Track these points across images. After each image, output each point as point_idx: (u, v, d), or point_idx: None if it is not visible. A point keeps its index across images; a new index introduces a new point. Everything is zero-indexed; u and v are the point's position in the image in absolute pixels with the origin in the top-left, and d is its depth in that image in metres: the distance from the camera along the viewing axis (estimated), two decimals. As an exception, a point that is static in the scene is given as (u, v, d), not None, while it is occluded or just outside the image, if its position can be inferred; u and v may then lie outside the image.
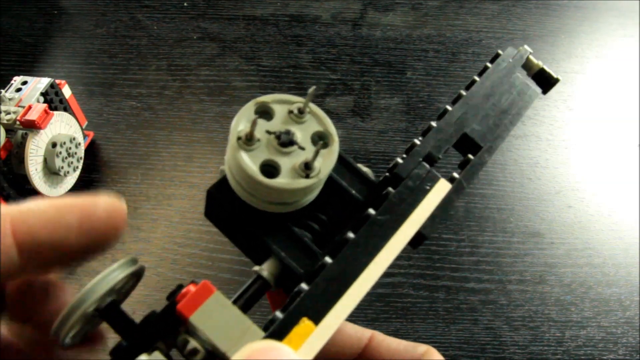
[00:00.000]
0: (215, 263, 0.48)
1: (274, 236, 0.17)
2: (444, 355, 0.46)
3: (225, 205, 0.17)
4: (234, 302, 0.16)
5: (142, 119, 0.60)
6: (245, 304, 0.17)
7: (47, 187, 0.49)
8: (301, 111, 0.17)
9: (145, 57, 0.66)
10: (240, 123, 0.16)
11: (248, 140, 0.16)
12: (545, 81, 0.22)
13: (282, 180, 0.16)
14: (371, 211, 0.17)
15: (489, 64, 0.21)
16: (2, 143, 0.46)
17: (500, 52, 0.22)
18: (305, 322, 0.15)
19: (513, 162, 0.56)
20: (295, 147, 0.16)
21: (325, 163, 0.17)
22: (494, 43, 0.68)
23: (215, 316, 0.15)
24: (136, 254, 0.50)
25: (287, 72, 0.64)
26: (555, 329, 0.45)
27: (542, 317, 0.45)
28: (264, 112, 0.17)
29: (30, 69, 0.65)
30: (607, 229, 0.51)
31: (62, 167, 0.49)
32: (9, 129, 0.47)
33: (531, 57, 0.22)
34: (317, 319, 0.15)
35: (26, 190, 0.48)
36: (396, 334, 0.44)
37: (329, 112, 0.60)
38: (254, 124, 0.16)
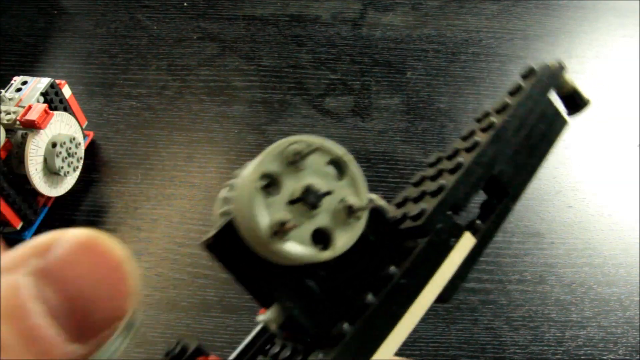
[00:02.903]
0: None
1: (284, 288, 0.15)
2: (443, 355, 0.46)
3: (232, 254, 0.15)
4: (241, 355, 0.15)
5: (142, 119, 0.60)
6: (252, 357, 0.16)
7: (47, 187, 0.49)
8: (301, 154, 0.14)
9: (145, 57, 0.66)
10: (261, 217, 0.14)
11: (283, 229, 0.14)
12: (574, 103, 0.19)
13: (344, 239, 0.14)
14: (393, 270, 0.15)
15: (522, 84, 0.19)
16: (2, 143, 0.46)
17: (534, 67, 0.19)
18: None
19: (513, 162, 0.56)
20: (325, 198, 0.14)
21: (359, 190, 0.15)
22: (494, 43, 0.68)
23: None
24: (136, 254, 0.50)
25: (287, 72, 0.64)
26: (555, 329, 0.45)
27: (542, 317, 0.45)
28: (265, 179, 0.14)
29: (30, 69, 0.65)
30: (607, 229, 0.51)
31: (62, 167, 0.49)
32: (9, 129, 0.47)
33: (565, 75, 0.19)
34: None
35: (26, 190, 0.48)
36: (396, 334, 0.44)
37: (329, 112, 0.60)
38: (294, 220, 0.14)
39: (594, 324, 0.45)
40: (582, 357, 0.43)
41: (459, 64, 0.65)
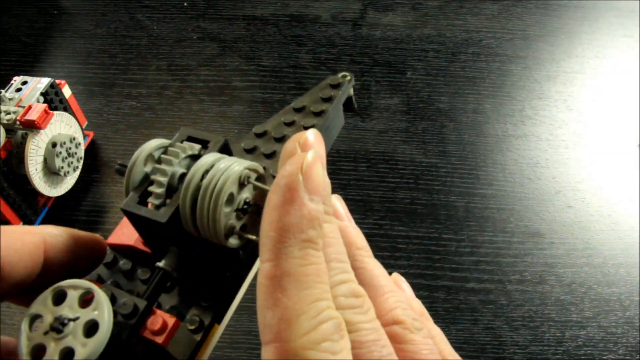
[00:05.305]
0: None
1: (182, 244, 0.22)
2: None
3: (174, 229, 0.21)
4: (147, 292, 0.22)
5: (142, 119, 0.60)
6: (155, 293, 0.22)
7: (47, 187, 0.49)
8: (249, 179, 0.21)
9: (145, 57, 0.66)
10: (225, 220, 0.20)
11: (235, 231, 0.21)
12: (349, 105, 0.28)
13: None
14: None
15: (332, 92, 0.26)
16: (2, 143, 0.46)
17: (340, 80, 0.27)
18: (215, 327, 0.23)
19: (513, 162, 0.56)
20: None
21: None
22: (494, 43, 0.68)
23: (181, 341, 0.21)
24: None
25: (287, 72, 0.64)
26: (555, 329, 0.45)
27: (542, 317, 0.45)
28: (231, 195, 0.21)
29: (30, 69, 0.65)
30: (607, 229, 0.51)
31: (62, 167, 0.49)
32: (9, 129, 0.47)
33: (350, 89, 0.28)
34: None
35: (26, 190, 0.48)
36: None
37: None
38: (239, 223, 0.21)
39: (594, 324, 0.45)
40: (582, 357, 0.43)
41: (459, 64, 0.65)
